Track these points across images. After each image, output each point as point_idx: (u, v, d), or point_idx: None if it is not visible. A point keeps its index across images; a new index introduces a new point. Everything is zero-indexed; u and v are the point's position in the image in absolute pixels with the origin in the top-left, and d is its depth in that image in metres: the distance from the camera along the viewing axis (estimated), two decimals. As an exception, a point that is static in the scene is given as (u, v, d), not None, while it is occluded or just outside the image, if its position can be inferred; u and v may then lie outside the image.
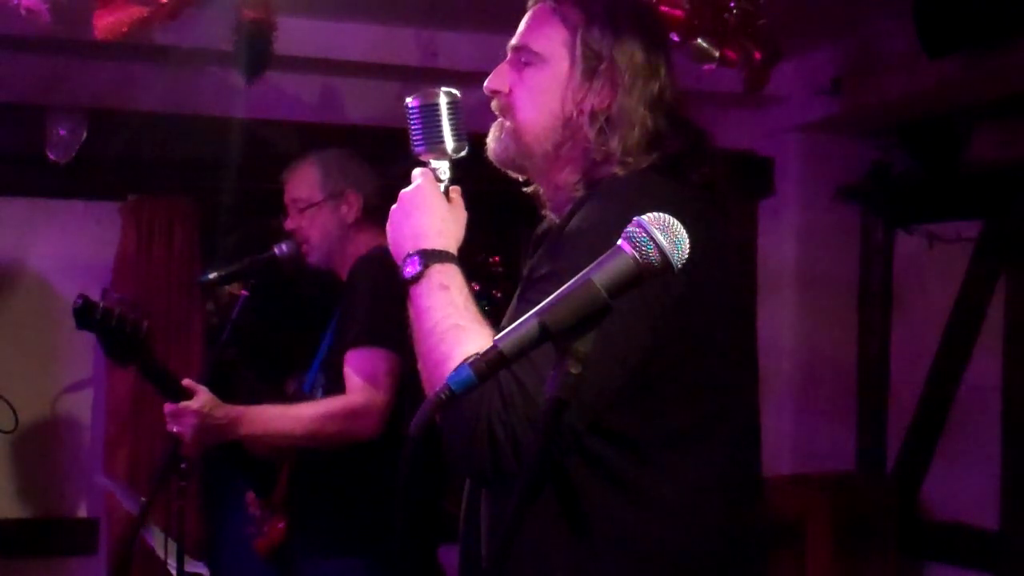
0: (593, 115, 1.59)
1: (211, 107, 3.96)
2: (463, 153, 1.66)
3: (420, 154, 1.65)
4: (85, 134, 3.85)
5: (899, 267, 4.64)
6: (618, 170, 1.57)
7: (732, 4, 3.07)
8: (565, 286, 1.15)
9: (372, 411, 2.63)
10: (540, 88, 1.63)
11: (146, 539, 2.87)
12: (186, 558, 2.79)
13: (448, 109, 1.63)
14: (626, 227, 1.16)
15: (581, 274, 1.15)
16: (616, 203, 1.49)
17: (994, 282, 4.23)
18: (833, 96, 4.23)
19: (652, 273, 1.14)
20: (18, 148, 3.88)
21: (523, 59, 1.65)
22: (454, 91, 1.65)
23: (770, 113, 4.61)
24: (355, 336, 2.68)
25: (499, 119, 1.68)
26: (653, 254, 1.13)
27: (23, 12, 2.61)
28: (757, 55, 3.22)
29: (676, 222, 1.14)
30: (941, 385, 4.40)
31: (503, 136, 1.67)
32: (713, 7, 3.04)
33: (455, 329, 1.46)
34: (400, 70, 3.99)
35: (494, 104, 1.68)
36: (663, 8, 2.98)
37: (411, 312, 1.53)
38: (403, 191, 1.64)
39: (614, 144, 1.57)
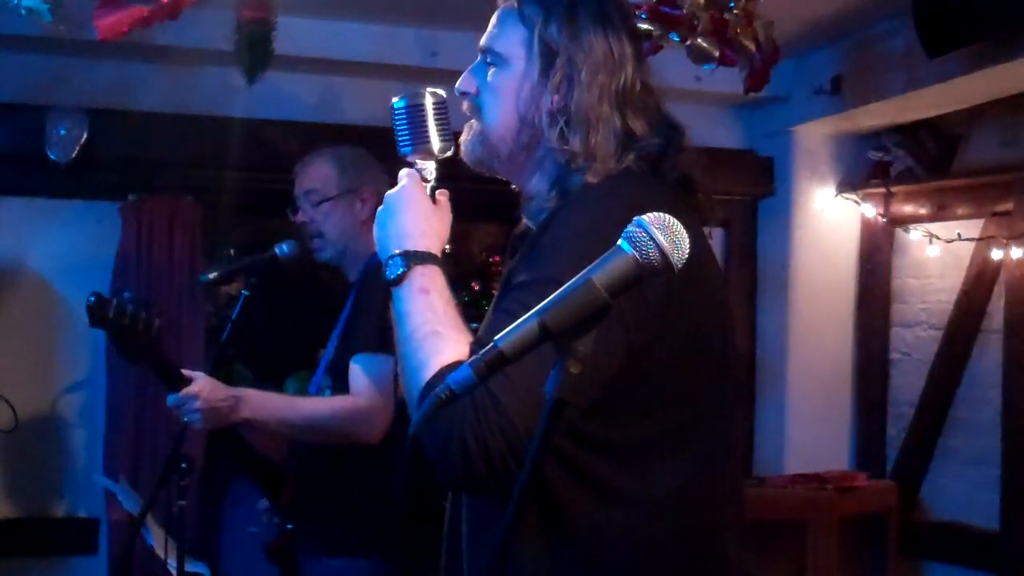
0: (552, 115, 1.57)
1: (211, 107, 3.96)
2: (449, 153, 1.65)
3: (406, 155, 1.65)
4: (85, 134, 3.85)
5: (899, 267, 4.65)
6: (590, 176, 1.53)
7: (732, 4, 3.07)
8: (564, 287, 1.15)
9: (377, 415, 2.63)
10: (502, 89, 1.62)
11: (146, 539, 2.87)
12: (186, 558, 2.79)
13: (434, 109, 1.63)
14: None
15: (581, 274, 1.15)
16: (590, 212, 1.48)
17: (994, 282, 4.23)
18: (833, 96, 4.23)
19: (652, 273, 1.14)
20: (18, 148, 3.88)
21: (488, 60, 1.64)
22: (440, 91, 1.65)
23: (770, 113, 4.62)
24: (365, 340, 2.68)
25: (470, 120, 1.68)
26: (653, 254, 1.13)
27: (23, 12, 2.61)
28: (757, 55, 3.22)
29: (676, 222, 1.14)
30: (941, 385, 4.40)
31: (471, 138, 1.66)
32: (713, 7, 3.04)
33: (433, 336, 1.46)
34: (400, 70, 3.99)
35: (464, 106, 1.68)
36: (663, 9, 2.98)
37: (393, 314, 1.54)
38: (388, 192, 1.64)
39: (576, 145, 1.54)
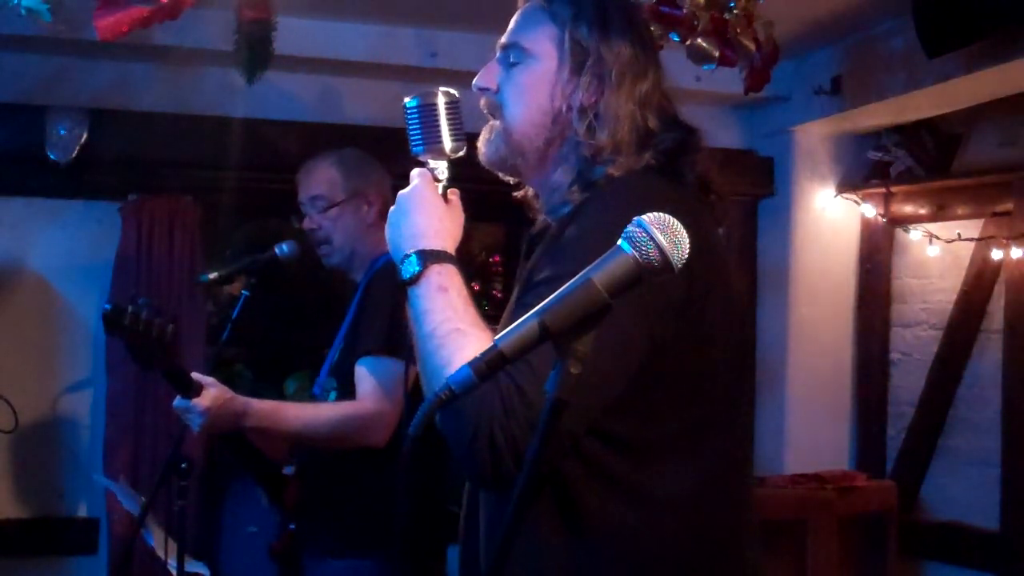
0: (582, 110, 1.59)
1: (211, 107, 3.96)
2: (461, 153, 1.66)
3: (418, 154, 1.65)
4: (85, 134, 3.85)
5: (899, 267, 4.65)
6: (612, 170, 1.56)
7: (732, 4, 3.07)
8: (565, 286, 1.15)
9: (383, 420, 2.63)
10: (529, 85, 1.63)
11: (146, 539, 2.87)
12: (186, 558, 2.79)
13: (446, 109, 1.63)
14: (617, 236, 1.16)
15: (581, 274, 1.15)
16: (615, 206, 1.48)
17: (994, 282, 4.23)
18: (833, 96, 4.23)
19: (652, 273, 1.14)
20: (18, 148, 3.88)
21: (512, 58, 1.65)
22: (452, 91, 1.65)
23: (770, 113, 4.62)
24: (372, 344, 2.67)
25: (489, 122, 1.68)
26: (653, 254, 1.13)
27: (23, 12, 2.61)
28: (757, 55, 3.22)
29: (676, 222, 1.14)
30: (941, 385, 4.40)
31: (493, 137, 1.66)
32: (713, 7, 3.04)
33: (454, 334, 1.45)
34: (400, 70, 3.99)
35: (483, 102, 1.68)
36: (663, 8, 2.98)
37: (410, 314, 1.52)
38: (400, 192, 1.64)
39: (604, 139, 1.57)
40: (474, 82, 1.68)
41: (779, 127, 4.62)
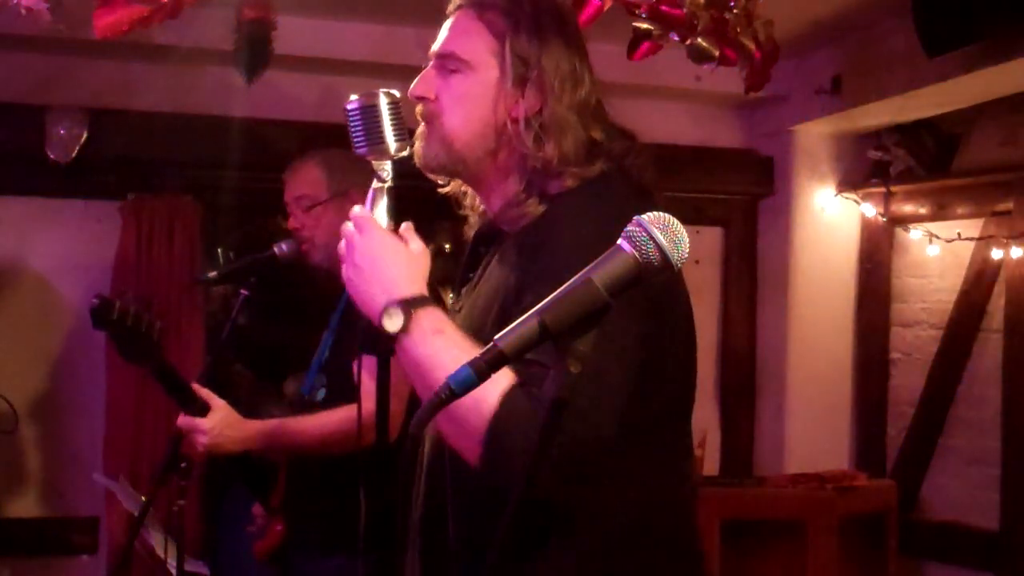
0: (527, 121, 1.58)
1: (211, 107, 3.96)
2: (405, 153, 1.63)
3: (363, 155, 1.63)
4: (85, 134, 3.86)
5: (899, 267, 4.65)
6: (568, 181, 1.56)
7: (732, 4, 3.07)
8: (564, 285, 1.15)
9: (392, 420, 2.62)
10: (468, 95, 1.61)
11: (146, 539, 2.87)
12: (186, 558, 2.79)
13: (388, 110, 1.61)
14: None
15: (581, 273, 1.15)
16: (589, 216, 1.49)
17: (994, 281, 4.23)
18: (833, 96, 4.23)
19: (652, 272, 1.14)
20: (18, 148, 3.88)
21: (450, 67, 1.64)
22: (394, 92, 1.63)
23: (770, 113, 4.62)
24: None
25: (421, 128, 1.66)
26: (653, 253, 1.13)
27: (23, 11, 2.61)
28: (757, 55, 3.22)
29: (675, 221, 1.15)
30: (941, 385, 4.40)
31: (432, 143, 1.64)
32: (713, 7, 3.04)
33: None
34: (400, 70, 3.97)
35: (419, 110, 1.67)
36: (663, 8, 2.98)
37: (406, 364, 1.46)
38: (351, 242, 1.56)
39: (550, 150, 1.56)
40: (410, 90, 1.66)
41: (779, 126, 4.62)
